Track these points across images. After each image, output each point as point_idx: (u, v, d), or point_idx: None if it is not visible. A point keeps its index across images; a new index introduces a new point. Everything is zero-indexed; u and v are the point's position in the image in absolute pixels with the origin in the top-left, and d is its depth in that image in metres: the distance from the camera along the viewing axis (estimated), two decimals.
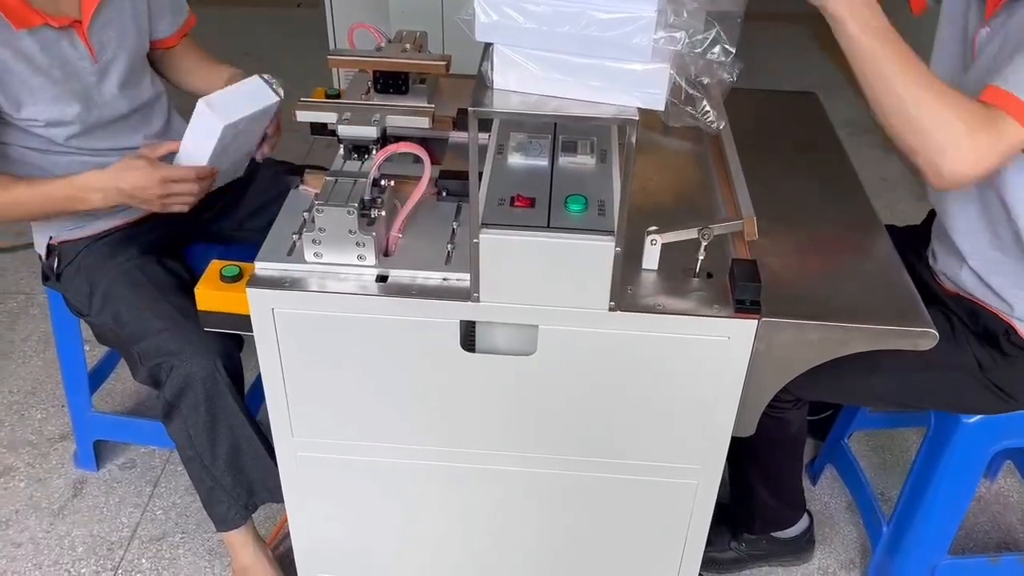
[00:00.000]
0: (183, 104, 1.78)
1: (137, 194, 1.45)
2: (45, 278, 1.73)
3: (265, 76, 1.52)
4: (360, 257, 1.25)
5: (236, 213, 1.83)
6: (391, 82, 1.58)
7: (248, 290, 1.24)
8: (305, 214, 1.36)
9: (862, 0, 1.12)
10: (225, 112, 1.43)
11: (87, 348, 1.92)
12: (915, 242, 1.64)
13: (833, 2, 1.12)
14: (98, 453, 2.07)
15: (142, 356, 1.55)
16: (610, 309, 1.21)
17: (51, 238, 1.65)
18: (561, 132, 1.37)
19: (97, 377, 2.07)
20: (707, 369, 1.27)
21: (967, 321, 1.47)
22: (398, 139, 1.39)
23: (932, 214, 1.67)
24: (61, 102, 1.52)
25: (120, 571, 1.85)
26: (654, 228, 1.25)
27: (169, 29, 1.74)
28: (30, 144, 1.55)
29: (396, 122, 1.42)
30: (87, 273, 1.63)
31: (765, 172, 1.50)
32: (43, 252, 1.69)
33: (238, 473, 1.63)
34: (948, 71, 1.43)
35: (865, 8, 1.13)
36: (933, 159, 1.16)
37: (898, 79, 1.14)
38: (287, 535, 1.70)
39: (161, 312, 1.54)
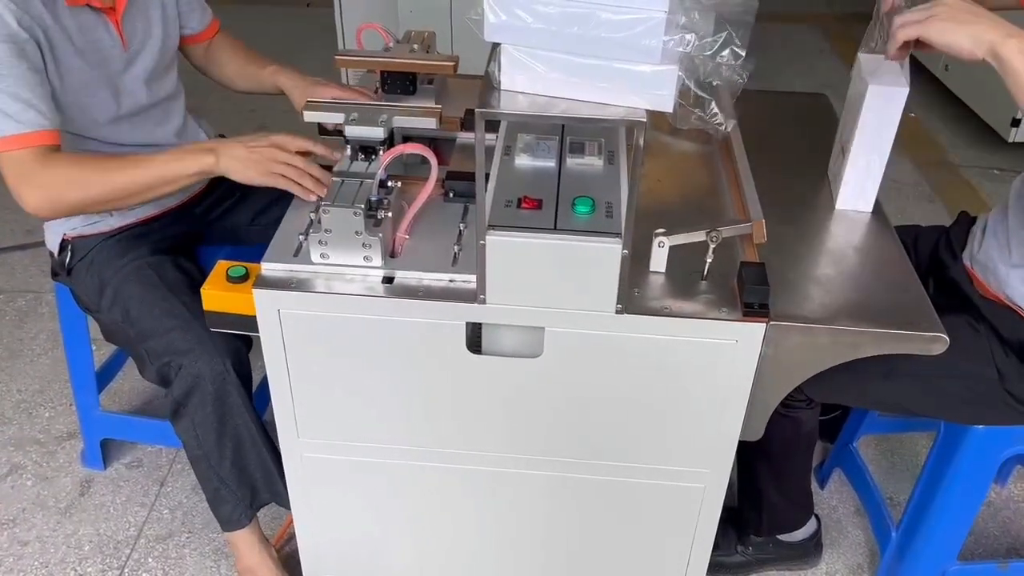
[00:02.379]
0: (196, 103, 1.80)
1: (251, 143, 1.42)
2: (55, 274, 1.73)
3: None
4: (366, 258, 1.25)
5: (246, 209, 1.84)
6: (399, 82, 1.58)
7: (254, 291, 1.24)
8: (312, 215, 1.35)
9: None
10: None
11: (95, 347, 1.93)
12: (949, 242, 1.62)
13: (1002, 46, 1.11)
14: (105, 452, 2.07)
15: (151, 354, 1.55)
16: (617, 312, 1.21)
17: (65, 234, 1.65)
18: (569, 133, 1.37)
19: (105, 376, 2.08)
20: (715, 372, 1.26)
21: (998, 328, 1.44)
22: (406, 139, 1.38)
23: (963, 215, 1.64)
24: (91, 87, 1.53)
25: (126, 570, 1.85)
26: (662, 230, 1.24)
27: (199, 26, 1.77)
28: (68, 128, 1.55)
29: (403, 122, 1.41)
30: (98, 269, 1.63)
31: (774, 174, 1.49)
32: (55, 248, 1.69)
33: (242, 474, 1.63)
34: None
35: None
36: None
37: None
38: (293, 535, 1.70)
39: (171, 311, 1.55)
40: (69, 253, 1.66)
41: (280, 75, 1.74)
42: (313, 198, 1.39)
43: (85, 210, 1.49)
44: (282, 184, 1.40)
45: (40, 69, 1.42)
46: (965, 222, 1.63)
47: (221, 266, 1.30)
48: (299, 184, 1.39)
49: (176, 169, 1.43)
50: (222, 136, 1.91)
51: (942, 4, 1.15)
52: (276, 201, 1.79)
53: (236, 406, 1.55)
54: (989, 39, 1.12)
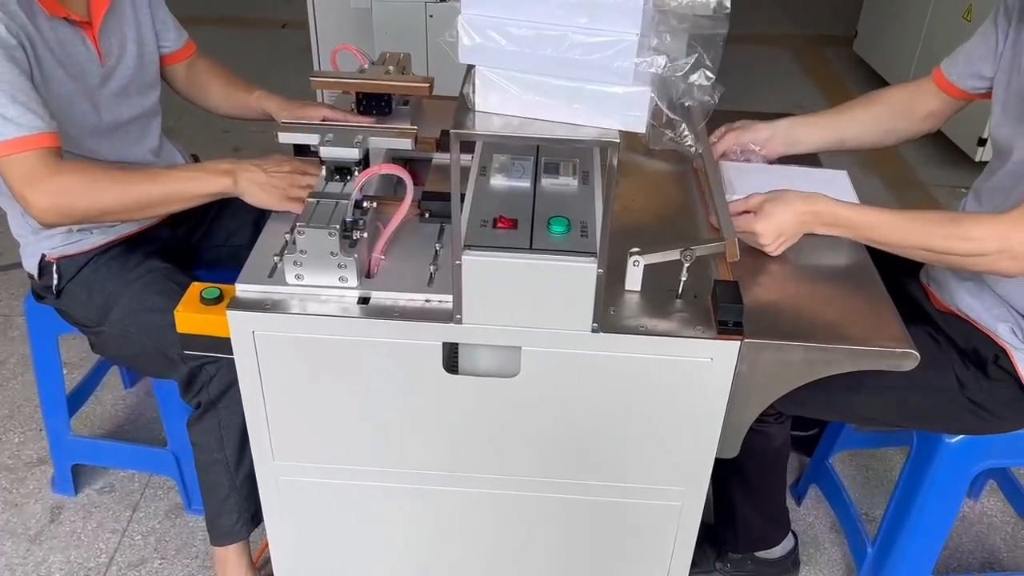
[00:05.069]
0: (170, 124, 1.79)
1: (270, 168, 1.44)
2: (39, 297, 1.70)
3: None
4: (342, 279, 1.25)
5: (220, 229, 1.83)
6: (374, 103, 1.59)
7: (228, 312, 1.23)
8: (287, 236, 1.35)
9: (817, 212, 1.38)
10: None
11: (66, 371, 1.90)
12: (906, 260, 1.64)
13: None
14: (76, 477, 2.04)
15: (185, 356, 1.52)
16: (593, 330, 1.21)
17: (45, 255, 1.63)
18: (544, 154, 1.38)
19: (76, 400, 2.05)
20: (690, 390, 1.27)
21: (956, 340, 1.48)
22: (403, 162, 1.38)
23: None
24: (72, 99, 1.53)
25: None
26: (637, 249, 1.25)
27: (175, 44, 1.76)
28: None
29: (379, 143, 1.42)
30: (100, 285, 1.61)
31: None
32: (34, 271, 1.65)
33: (255, 484, 1.61)
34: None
35: (826, 217, 1.39)
36: (994, 268, 1.34)
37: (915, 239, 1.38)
38: (268, 559, 1.68)
39: None
40: (56, 275, 1.63)
41: (267, 100, 1.74)
42: None
43: (93, 220, 1.48)
44: (296, 209, 1.40)
45: (30, 75, 1.41)
46: None
47: (195, 288, 1.29)
48: None
49: (192, 188, 1.44)
50: (195, 157, 1.90)
51: (758, 235, 1.38)
52: (256, 221, 1.78)
53: None
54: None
